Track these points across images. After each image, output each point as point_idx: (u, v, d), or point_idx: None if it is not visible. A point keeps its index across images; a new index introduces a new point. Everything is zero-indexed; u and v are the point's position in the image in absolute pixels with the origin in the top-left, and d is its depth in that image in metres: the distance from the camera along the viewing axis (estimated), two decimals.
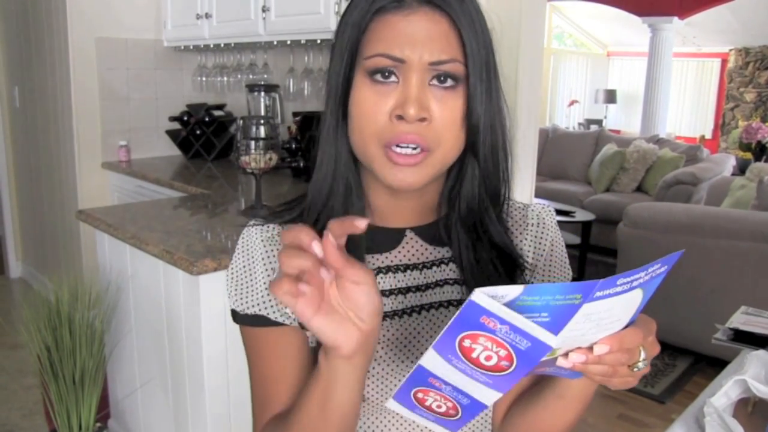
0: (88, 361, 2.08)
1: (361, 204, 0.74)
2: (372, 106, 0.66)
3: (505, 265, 0.76)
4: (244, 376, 0.79)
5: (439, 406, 0.58)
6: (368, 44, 0.66)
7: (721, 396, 1.04)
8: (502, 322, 0.48)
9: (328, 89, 0.71)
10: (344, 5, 2.29)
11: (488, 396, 0.54)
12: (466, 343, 0.50)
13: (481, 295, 0.47)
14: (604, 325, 0.52)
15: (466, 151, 0.72)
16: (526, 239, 0.82)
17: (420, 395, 0.57)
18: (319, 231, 0.51)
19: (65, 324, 2.05)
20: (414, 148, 0.66)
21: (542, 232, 0.82)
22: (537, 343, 0.49)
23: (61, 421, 2.11)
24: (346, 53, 0.67)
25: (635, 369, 0.57)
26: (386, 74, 0.66)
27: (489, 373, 0.52)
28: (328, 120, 0.70)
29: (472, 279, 0.75)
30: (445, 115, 0.67)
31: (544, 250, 0.82)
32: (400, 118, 0.65)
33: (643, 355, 0.56)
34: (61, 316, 2.05)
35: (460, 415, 0.58)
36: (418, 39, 0.64)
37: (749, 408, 1.04)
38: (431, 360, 0.53)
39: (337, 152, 0.71)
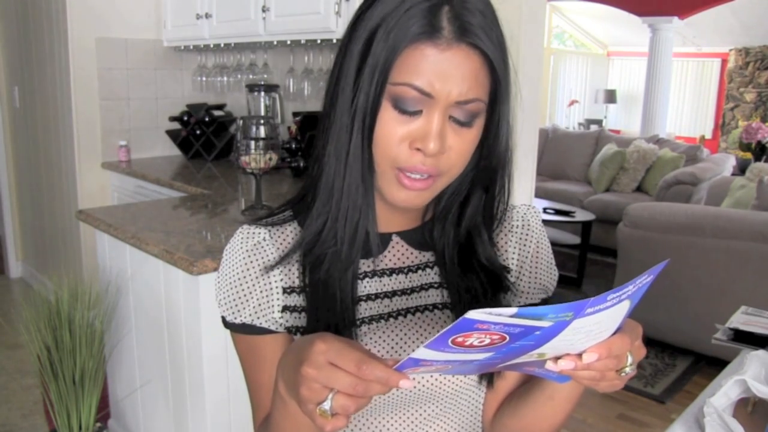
0: (88, 361, 2.08)
1: (370, 213, 0.72)
2: (392, 133, 0.66)
3: (489, 280, 0.78)
4: (243, 376, 0.80)
5: (431, 369, 0.58)
6: (398, 70, 0.64)
7: (721, 396, 1.04)
8: (496, 324, 0.48)
9: (349, 104, 0.67)
10: (344, 5, 2.30)
11: (480, 356, 0.55)
12: (459, 339, 0.50)
13: (474, 313, 0.47)
14: (593, 335, 0.53)
15: (476, 181, 0.74)
16: (510, 241, 0.82)
17: (410, 371, 0.57)
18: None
19: (65, 324, 2.05)
20: (424, 175, 0.67)
21: (527, 234, 0.83)
22: (529, 327, 0.49)
23: (61, 421, 2.11)
24: (377, 75, 0.65)
25: (623, 373, 0.58)
26: (411, 106, 0.65)
27: (483, 347, 0.52)
28: (354, 136, 0.67)
29: (455, 283, 0.77)
30: (459, 147, 0.68)
31: (529, 251, 0.82)
32: (419, 149, 0.66)
33: (630, 360, 0.58)
34: (61, 316, 2.05)
35: (452, 368, 0.58)
36: (449, 76, 0.63)
37: (749, 408, 1.04)
38: (422, 354, 0.53)
39: (363, 166, 0.69)
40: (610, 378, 0.58)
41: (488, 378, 0.79)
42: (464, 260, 0.77)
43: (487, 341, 0.50)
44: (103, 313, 2.14)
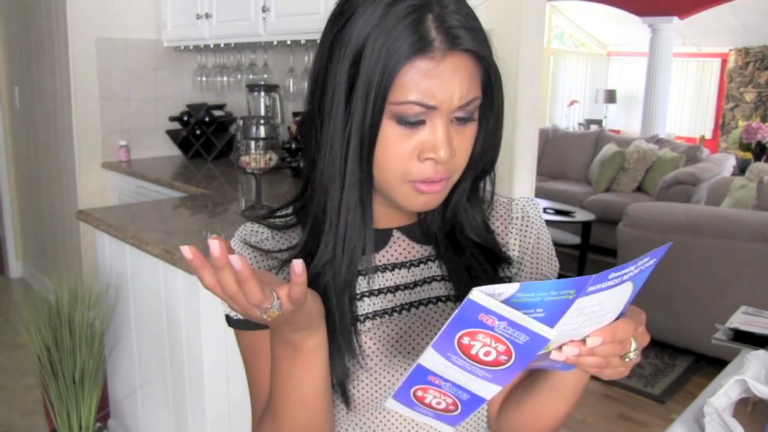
0: (88, 361, 2.08)
1: (368, 233, 0.73)
2: (399, 149, 0.67)
3: (488, 260, 0.79)
4: (243, 376, 0.80)
5: (438, 403, 0.59)
6: (398, 89, 0.64)
7: (721, 396, 1.04)
8: (500, 318, 0.49)
9: (342, 128, 0.66)
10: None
11: (488, 390, 0.55)
12: (465, 340, 0.51)
13: (478, 294, 0.48)
14: (596, 318, 0.53)
15: (470, 165, 0.74)
16: (511, 233, 0.83)
17: (420, 393, 0.58)
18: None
19: (65, 324, 2.05)
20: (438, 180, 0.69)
21: (527, 226, 0.83)
22: (535, 337, 0.50)
23: (61, 421, 2.11)
24: (373, 95, 0.64)
25: (627, 359, 0.58)
26: (414, 117, 0.65)
27: (488, 368, 0.53)
28: (351, 159, 0.67)
29: (456, 275, 0.78)
30: (463, 146, 0.69)
31: (529, 243, 0.83)
32: (429, 158, 0.66)
33: (634, 346, 0.58)
34: (61, 316, 2.05)
35: (459, 410, 0.59)
36: (448, 84, 0.64)
37: (749, 408, 1.04)
38: (430, 358, 0.54)
39: (361, 187, 0.69)
40: (614, 364, 0.57)
41: None
42: (454, 239, 0.78)
43: (493, 356, 0.51)
44: (103, 313, 2.14)
